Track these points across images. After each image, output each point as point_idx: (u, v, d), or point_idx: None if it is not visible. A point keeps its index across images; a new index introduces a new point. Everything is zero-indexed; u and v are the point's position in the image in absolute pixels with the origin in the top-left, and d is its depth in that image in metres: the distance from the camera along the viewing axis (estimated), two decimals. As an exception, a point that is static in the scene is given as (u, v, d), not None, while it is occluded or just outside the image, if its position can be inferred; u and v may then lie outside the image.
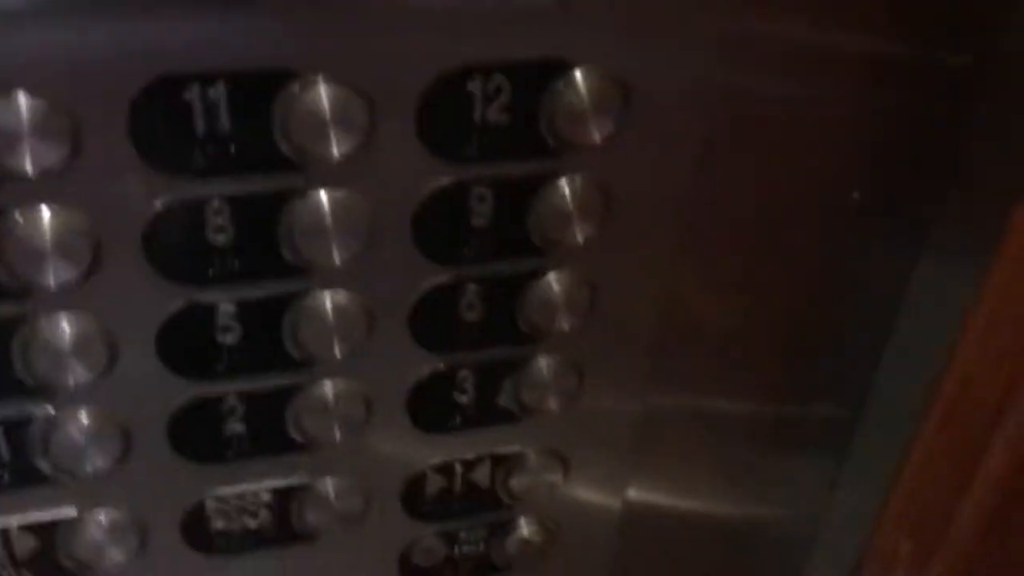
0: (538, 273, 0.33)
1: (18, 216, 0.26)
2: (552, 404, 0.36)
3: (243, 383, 0.32)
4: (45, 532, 0.33)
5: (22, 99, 0.24)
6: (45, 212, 0.26)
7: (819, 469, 0.49)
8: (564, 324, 0.34)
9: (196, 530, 0.35)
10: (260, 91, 0.27)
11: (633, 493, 0.43)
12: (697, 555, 0.49)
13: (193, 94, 0.26)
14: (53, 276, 0.27)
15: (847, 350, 0.42)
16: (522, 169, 0.31)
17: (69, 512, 0.33)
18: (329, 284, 0.31)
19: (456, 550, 0.40)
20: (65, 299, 0.28)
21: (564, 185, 0.31)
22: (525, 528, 0.40)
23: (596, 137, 0.30)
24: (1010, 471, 0.41)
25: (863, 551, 0.46)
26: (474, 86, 0.28)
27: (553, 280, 0.34)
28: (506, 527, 0.40)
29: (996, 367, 0.40)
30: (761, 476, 0.48)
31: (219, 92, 0.26)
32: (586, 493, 0.41)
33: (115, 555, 0.34)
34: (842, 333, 0.41)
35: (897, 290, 0.38)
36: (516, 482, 0.39)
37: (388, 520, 0.38)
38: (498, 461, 0.38)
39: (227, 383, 0.32)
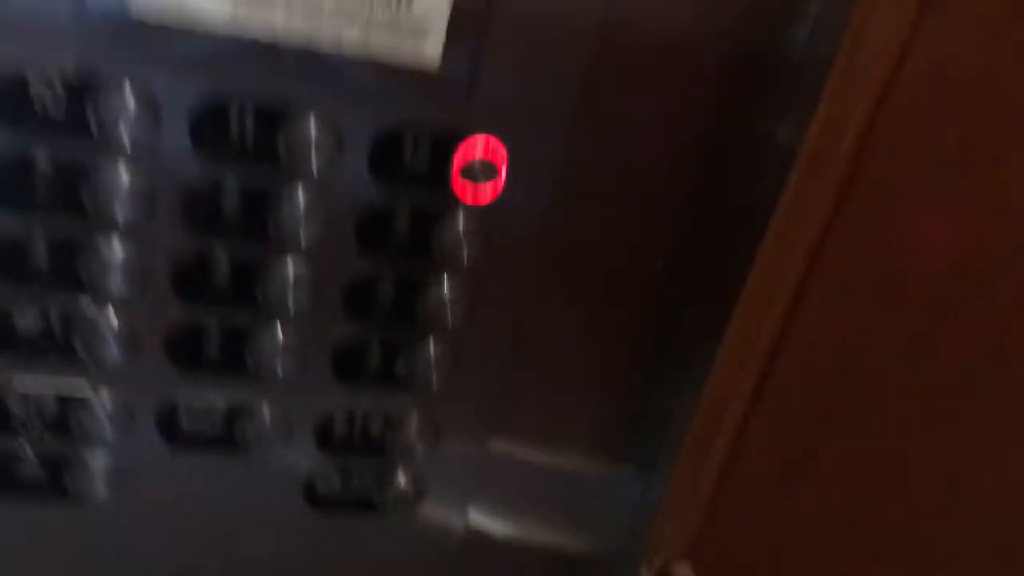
0: (433, 282, 0.49)
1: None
2: (433, 380, 0.52)
3: (224, 318, 0.47)
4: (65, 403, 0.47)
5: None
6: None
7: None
8: (448, 322, 0.50)
9: (168, 425, 0.49)
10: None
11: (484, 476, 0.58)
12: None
13: None
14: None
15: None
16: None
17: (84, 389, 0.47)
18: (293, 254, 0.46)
19: (349, 485, 0.54)
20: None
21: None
22: (402, 478, 0.55)
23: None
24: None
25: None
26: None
27: (445, 288, 0.49)
28: (389, 475, 0.55)
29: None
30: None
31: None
32: (451, 456, 0.55)
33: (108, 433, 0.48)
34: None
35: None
36: (399, 437, 0.53)
37: (302, 447, 0.52)
38: (389, 418, 0.53)
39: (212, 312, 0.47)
